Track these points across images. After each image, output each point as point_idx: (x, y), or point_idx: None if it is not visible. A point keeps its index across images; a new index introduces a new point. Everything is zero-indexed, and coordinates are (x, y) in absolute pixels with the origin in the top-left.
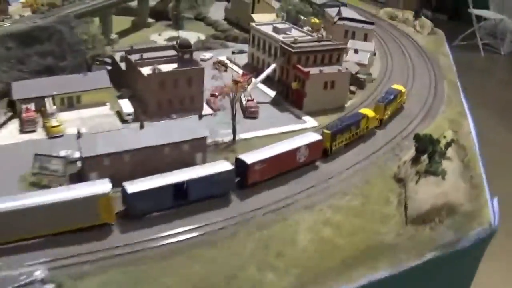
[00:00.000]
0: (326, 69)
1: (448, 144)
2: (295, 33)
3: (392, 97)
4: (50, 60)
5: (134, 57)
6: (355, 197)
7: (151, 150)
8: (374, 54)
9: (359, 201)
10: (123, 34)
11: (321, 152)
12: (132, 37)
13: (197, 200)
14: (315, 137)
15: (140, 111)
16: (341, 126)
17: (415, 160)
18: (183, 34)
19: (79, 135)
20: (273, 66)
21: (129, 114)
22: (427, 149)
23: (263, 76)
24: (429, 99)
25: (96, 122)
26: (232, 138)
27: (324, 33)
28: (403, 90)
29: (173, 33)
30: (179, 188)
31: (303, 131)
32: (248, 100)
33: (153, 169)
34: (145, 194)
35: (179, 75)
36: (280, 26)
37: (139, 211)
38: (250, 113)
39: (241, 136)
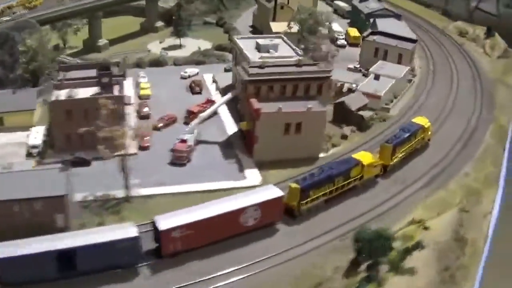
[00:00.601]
0: (290, 106)
1: (410, 249)
2: (283, 51)
3: (407, 135)
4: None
5: (61, 75)
6: None
7: None
8: (410, 81)
9: None
10: (121, 39)
11: (281, 213)
12: (127, 44)
13: (90, 272)
14: (274, 193)
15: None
16: (318, 178)
17: (353, 267)
18: (185, 42)
19: None
20: (227, 96)
21: (34, 147)
22: (369, 253)
23: (211, 109)
24: (454, 150)
25: (2, 151)
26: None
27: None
28: (427, 124)
29: (175, 40)
30: (65, 256)
31: (232, 192)
32: (180, 141)
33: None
34: (19, 261)
35: (89, 104)
36: (264, 41)
37: (12, 281)
38: (176, 158)
39: (143, 191)
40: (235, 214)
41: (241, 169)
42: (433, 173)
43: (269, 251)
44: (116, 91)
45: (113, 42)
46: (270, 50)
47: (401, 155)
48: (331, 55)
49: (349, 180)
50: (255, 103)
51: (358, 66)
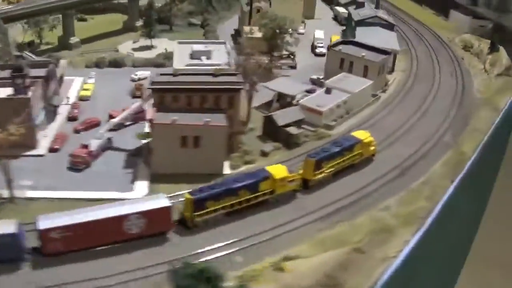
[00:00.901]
0: (192, 118)
1: None
2: (216, 59)
3: (337, 149)
4: None
5: None
6: None
7: None
8: (375, 96)
9: None
10: (98, 37)
11: (171, 223)
12: (101, 43)
13: None
14: (161, 203)
15: None
16: (216, 190)
17: None
18: (161, 43)
19: None
20: (135, 105)
21: None
22: None
23: (121, 116)
24: (388, 176)
25: None
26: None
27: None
28: (366, 139)
29: (147, 41)
30: None
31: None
32: (82, 146)
33: None
34: None
35: None
36: (198, 48)
37: None
38: (72, 163)
39: (30, 194)
40: (117, 221)
41: (133, 180)
42: (348, 200)
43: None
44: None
45: (89, 40)
46: (202, 57)
47: (328, 171)
48: (273, 65)
49: (257, 194)
50: (151, 113)
51: (321, 77)
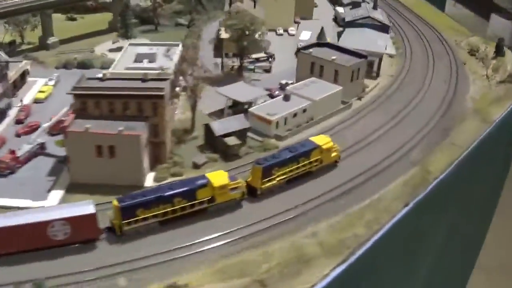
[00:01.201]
0: (109, 126)
1: None
2: (161, 62)
3: (290, 155)
4: None
5: None
6: None
7: None
8: (346, 103)
9: None
10: (80, 37)
11: (96, 231)
12: (81, 43)
13: None
14: (86, 210)
15: None
16: (146, 198)
17: None
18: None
19: None
20: (64, 110)
21: None
22: None
23: (46, 125)
24: (329, 196)
25: None
26: None
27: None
28: (326, 145)
29: (125, 42)
30: None
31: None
32: (10, 151)
33: None
34: None
35: None
36: (143, 50)
37: None
38: None
39: None
40: (40, 227)
41: (50, 188)
42: (287, 216)
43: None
44: None
45: (71, 40)
46: (144, 61)
47: (280, 178)
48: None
49: (194, 203)
50: (67, 120)
51: (290, 82)
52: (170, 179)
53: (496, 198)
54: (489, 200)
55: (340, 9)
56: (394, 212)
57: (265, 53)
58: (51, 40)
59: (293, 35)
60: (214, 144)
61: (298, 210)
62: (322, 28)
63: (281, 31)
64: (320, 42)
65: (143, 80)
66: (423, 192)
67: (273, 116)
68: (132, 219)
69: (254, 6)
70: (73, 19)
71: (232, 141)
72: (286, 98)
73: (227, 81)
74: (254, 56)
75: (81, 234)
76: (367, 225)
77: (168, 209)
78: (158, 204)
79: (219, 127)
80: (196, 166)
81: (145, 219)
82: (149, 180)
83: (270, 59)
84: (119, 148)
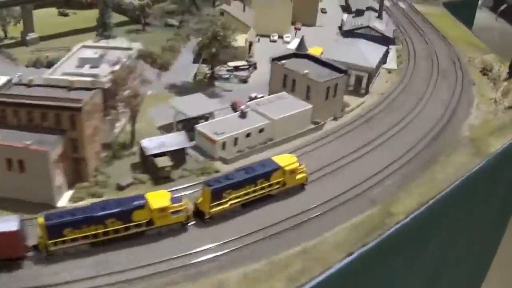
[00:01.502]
0: (5, 138)
1: None
2: (106, 68)
3: (246, 177)
4: None
5: None
6: None
7: None
8: (318, 123)
9: None
10: (63, 34)
11: (22, 248)
12: (62, 40)
13: None
14: (7, 227)
15: None
16: (75, 217)
17: None
18: (114, 43)
19: None
20: None
21: None
22: None
23: None
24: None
25: None
26: None
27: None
28: (290, 166)
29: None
30: None
31: None
32: None
33: None
34: None
35: None
36: (89, 54)
37: None
38: None
39: None
40: None
41: None
42: (213, 253)
43: None
44: None
45: (55, 36)
46: (85, 66)
47: (232, 202)
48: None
49: (130, 225)
50: None
51: (260, 95)
52: (88, 200)
53: (490, 253)
54: (479, 257)
55: (345, 17)
56: (330, 263)
57: (247, 61)
58: (30, 36)
59: (289, 42)
60: (145, 163)
61: (228, 245)
62: (303, 37)
63: (275, 38)
64: (298, 53)
65: (70, 88)
66: (374, 240)
67: (220, 135)
68: (59, 239)
69: (244, 9)
70: (65, 15)
71: (163, 162)
72: (243, 115)
73: (194, 90)
74: (233, 64)
75: (3, 252)
76: (290, 279)
77: (100, 231)
78: (88, 225)
79: (149, 145)
80: (119, 187)
81: (74, 239)
82: (64, 200)
83: (250, 68)
84: (28, 163)
